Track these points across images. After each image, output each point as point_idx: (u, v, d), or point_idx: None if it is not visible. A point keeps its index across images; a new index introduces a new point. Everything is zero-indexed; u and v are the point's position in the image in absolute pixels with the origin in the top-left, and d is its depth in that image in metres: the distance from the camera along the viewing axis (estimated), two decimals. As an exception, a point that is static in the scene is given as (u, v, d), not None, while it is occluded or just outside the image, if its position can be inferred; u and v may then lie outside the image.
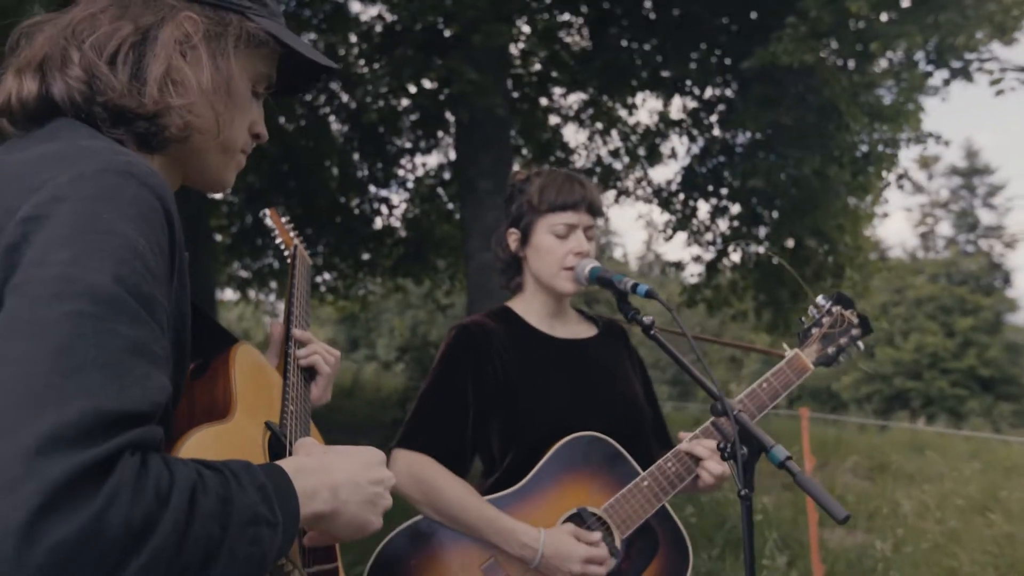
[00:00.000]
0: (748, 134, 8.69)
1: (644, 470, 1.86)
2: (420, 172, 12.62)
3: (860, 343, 2.08)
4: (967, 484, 5.71)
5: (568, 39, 9.54)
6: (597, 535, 1.79)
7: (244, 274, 13.86)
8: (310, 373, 1.43)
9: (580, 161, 11.85)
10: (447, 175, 12.24)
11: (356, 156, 11.97)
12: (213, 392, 1.04)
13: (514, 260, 2.07)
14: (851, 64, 7.75)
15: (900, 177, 8.97)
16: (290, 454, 1.10)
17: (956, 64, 7.23)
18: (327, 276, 13.72)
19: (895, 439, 10.15)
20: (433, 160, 12.51)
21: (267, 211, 1.86)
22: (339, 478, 0.94)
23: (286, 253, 1.79)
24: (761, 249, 9.87)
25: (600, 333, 2.10)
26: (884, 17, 6.31)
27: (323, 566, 1.17)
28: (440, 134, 11.21)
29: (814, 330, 2.07)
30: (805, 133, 7.82)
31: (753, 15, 8.02)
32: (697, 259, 10.95)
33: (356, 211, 12.53)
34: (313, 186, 11.27)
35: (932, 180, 34.79)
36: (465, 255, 8.56)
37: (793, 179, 7.87)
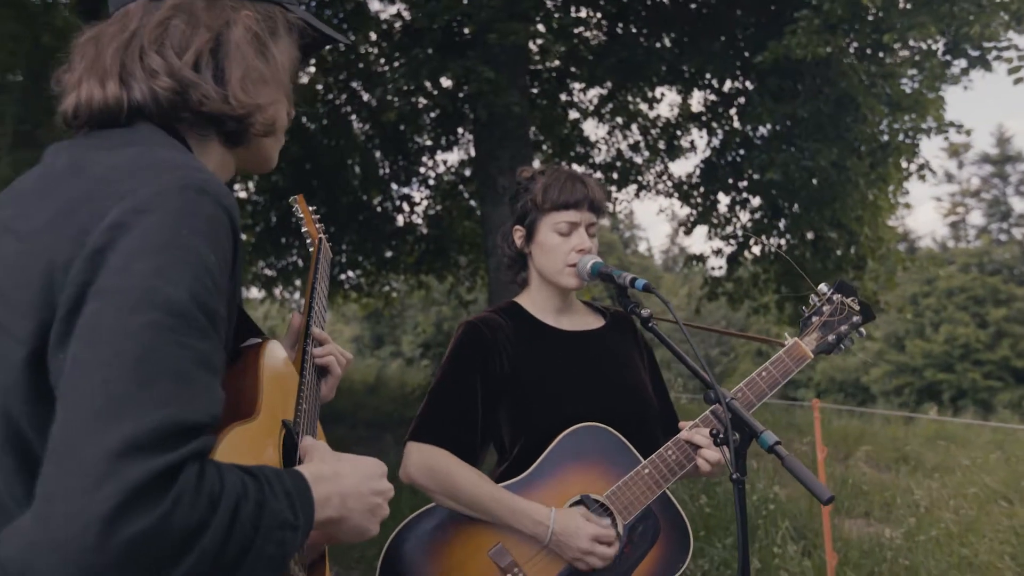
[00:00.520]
0: (767, 127, 8.66)
1: (649, 455, 1.93)
2: (441, 169, 12.72)
3: (861, 330, 2.11)
4: (988, 474, 5.68)
5: (586, 34, 9.56)
6: (606, 520, 1.86)
7: (269, 272, 14.05)
8: (322, 371, 1.49)
9: (600, 156, 11.87)
10: (468, 172, 12.32)
11: (378, 154, 12.09)
12: (242, 386, 1.10)
13: (520, 256, 2.14)
14: (868, 55, 7.69)
15: (921, 167, 8.88)
16: (299, 452, 1.17)
17: (973, 53, 7.15)
18: (351, 274, 13.87)
19: (921, 431, 10.07)
20: (454, 157, 12.60)
21: (296, 197, 1.86)
22: (348, 487, 1.02)
23: (309, 243, 1.80)
24: (782, 242, 9.83)
25: (607, 324, 2.16)
26: (899, 7, 6.26)
27: (312, 556, 1.25)
28: (460, 131, 11.28)
29: (814, 318, 2.09)
30: (822, 125, 7.78)
31: (773, 7, 7.99)
32: (718, 252, 10.92)
33: (378, 209, 12.66)
34: (336, 185, 11.41)
35: (963, 168, 34.21)
36: (486, 251, 8.64)
37: (810, 171, 7.84)
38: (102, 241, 0.81)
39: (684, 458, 1.92)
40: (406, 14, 8.96)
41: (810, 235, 9.34)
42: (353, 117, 11.33)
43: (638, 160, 11.72)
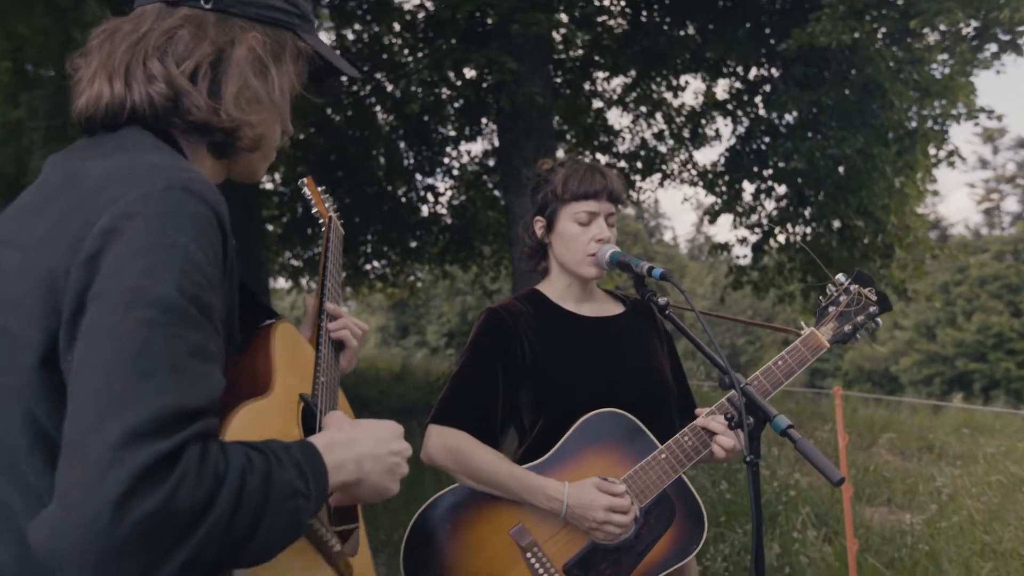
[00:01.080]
0: (792, 115, 8.57)
1: (666, 440, 1.97)
2: (465, 159, 12.76)
3: (878, 320, 2.14)
4: (1014, 462, 5.64)
5: (609, 22, 9.53)
6: (621, 487, 1.90)
7: (295, 263, 14.22)
8: (339, 345, 1.53)
9: (624, 145, 11.84)
10: (491, 162, 12.35)
11: (402, 145, 12.17)
12: (255, 367, 1.16)
13: (540, 246, 2.19)
14: (895, 40, 7.58)
15: (950, 154, 8.75)
16: (320, 424, 1.23)
17: (1004, 37, 7.03)
18: (376, 264, 13.99)
19: (949, 421, 9.98)
20: (478, 147, 12.64)
21: (305, 180, 1.90)
22: (363, 450, 1.07)
23: (320, 223, 1.83)
24: (807, 230, 9.74)
25: (627, 311, 2.21)
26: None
27: (348, 526, 1.31)
28: (484, 121, 11.31)
29: (831, 308, 2.12)
30: (847, 112, 7.70)
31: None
32: (743, 241, 10.86)
33: (403, 199, 12.74)
34: (360, 176, 11.51)
35: (998, 154, 33.54)
36: (510, 241, 8.69)
37: (836, 159, 7.77)
38: (95, 247, 0.86)
39: (700, 444, 1.97)
40: (429, 5, 9.00)
41: (836, 223, 9.25)
42: (377, 108, 11.40)
43: (662, 149, 11.67)
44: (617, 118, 16.21)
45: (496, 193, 12.42)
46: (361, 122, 11.10)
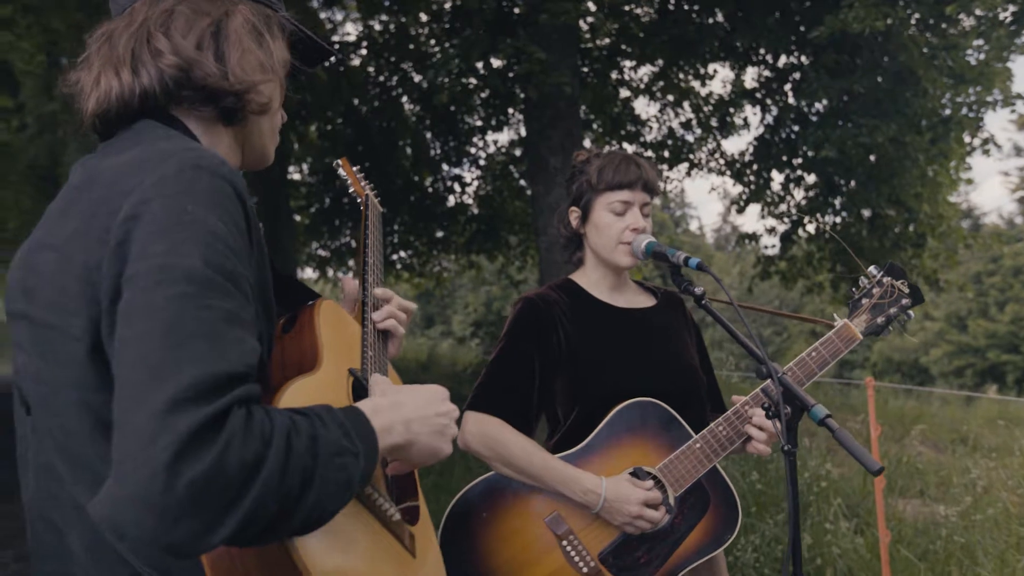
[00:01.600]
0: (822, 103, 8.46)
1: (698, 430, 1.98)
2: (492, 149, 12.76)
3: (910, 312, 2.14)
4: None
5: (636, 11, 9.46)
6: (649, 483, 1.92)
7: (323, 253, 14.33)
8: (385, 332, 1.51)
9: (651, 134, 11.77)
10: (518, 152, 12.34)
11: (428, 135, 12.19)
12: (302, 345, 1.18)
13: (575, 236, 2.20)
14: (929, 26, 7.44)
15: (985, 142, 8.57)
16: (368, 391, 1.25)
17: (1043, 21, 6.88)
18: (402, 254, 14.06)
19: (981, 413, 9.83)
20: (504, 137, 12.64)
21: (340, 160, 1.91)
22: (410, 413, 1.10)
23: (359, 201, 1.83)
24: (837, 220, 9.63)
25: (659, 303, 2.22)
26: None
27: (409, 502, 1.33)
28: (511, 111, 11.30)
29: (864, 300, 2.13)
30: (879, 100, 7.57)
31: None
32: (772, 231, 10.75)
33: (429, 189, 12.78)
34: (387, 166, 11.56)
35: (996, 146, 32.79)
36: (536, 231, 8.67)
37: (867, 148, 7.65)
38: (121, 235, 0.91)
39: (735, 434, 1.98)
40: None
41: (867, 213, 9.13)
42: (404, 99, 11.43)
43: (690, 138, 11.58)
44: (644, 107, 16.12)
45: (522, 183, 12.41)
46: (388, 112, 11.14)
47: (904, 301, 2.11)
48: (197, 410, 0.79)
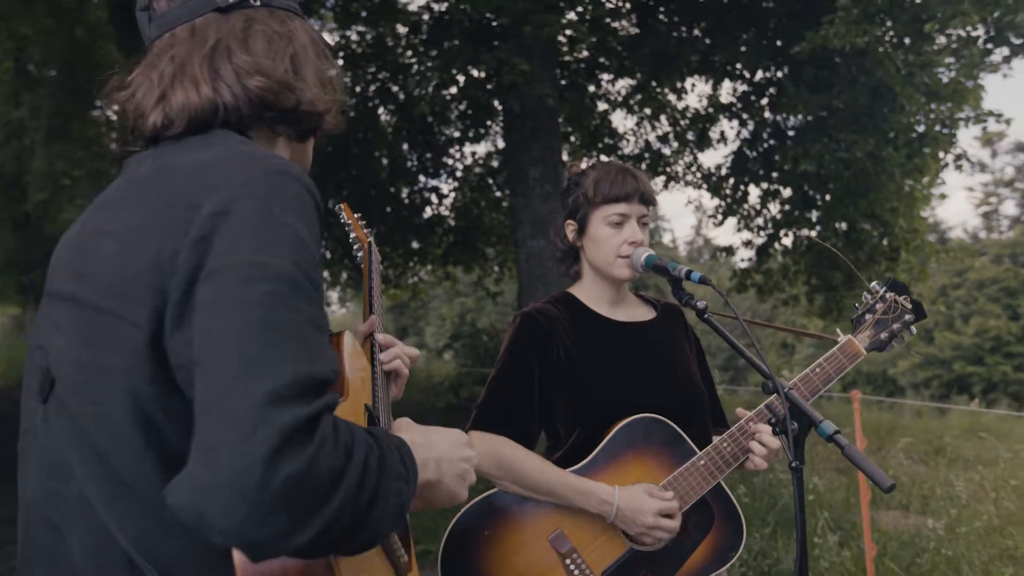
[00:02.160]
0: (800, 118, 8.57)
1: (701, 446, 1.96)
2: (469, 161, 12.75)
3: (913, 328, 2.14)
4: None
5: (615, 24, 9.53)
6: (670, 493, 1.90)
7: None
8: (389, 374, 1.54)
9: (628, 147, 11.84)
10: (495, 163, 12.34)
11: (406, 146, 12.15)
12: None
13: (572, 250, 2.18)
14: (906, 44, 7.58)
15: (958, 158, 8.76)
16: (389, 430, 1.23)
17: (1016, 41, 7.03)
18: (379, 265, 13.93)
19: (953, 424, 9.97)
20: (482, 149, 12.65)
21: (341, 205, 1.92)
22: (441, 453, 1.09)
23: (356, 247, 1.84)
24: (813, 233, 9.75)
25: (658, 315, 2.20)
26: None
27: (405, 544, 1.32)
28: (488, 123, 11.30)
29: (867, 316, 2.13)
30: (858, 115, 7.70)
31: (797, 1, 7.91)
32: (748, 244, 10.85)
33: (406, 200, 12.73)
34: (364, 176, 11.49)
35: (996, 158, 33.60)
36: (515, 243, 8.66)
37: (846, 162, 7.77)
38: (204, 229, 0.89)
39: (739, 450, 1.96)
40: (435, 6, 8.98)
41: (842, 226, 9.26)
42: (381, 109, 11.39)
43: (667, 151, 11.67)
44: (621, 120, 16.26)
45: (499, 195, 12.40)
46: (365, 123, 11.09)
47: (907, 317, 2.12)
48: (295, 408, 0.78)
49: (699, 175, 11.54)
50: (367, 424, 1.21)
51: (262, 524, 0.75)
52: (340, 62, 10.83)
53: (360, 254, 1.82)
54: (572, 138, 11.54)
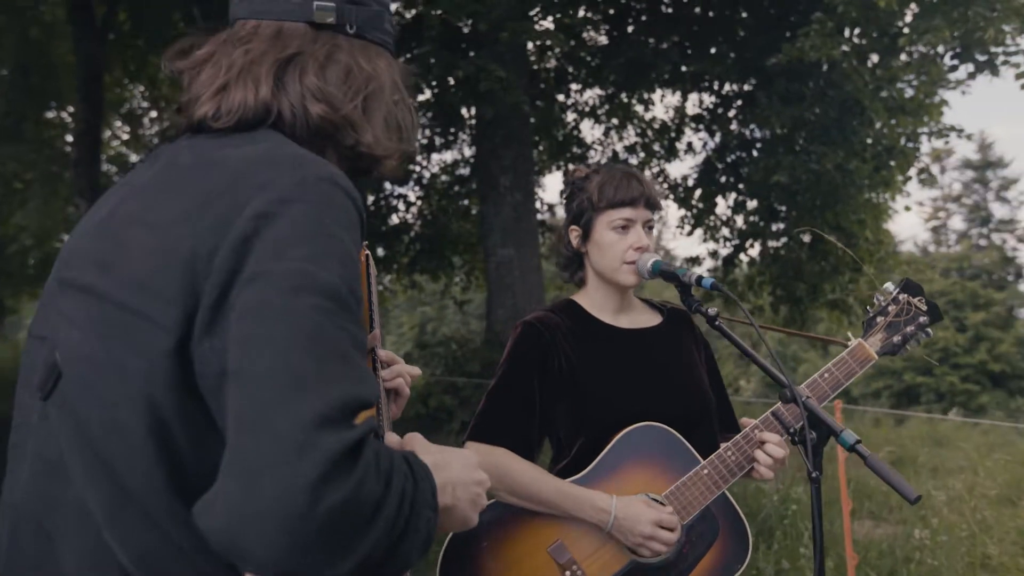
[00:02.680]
0: (769, 130, 8.70)
1: (709, 453, 1.92)
2: (436, 169, 12.69)
3: (929, 331, 2.03)
4: (993, 476, 5.74)
5: (585, 35, 9.58)
6: (669, 508, 1.85)
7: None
8: (390, 392, 1.49)
9: (596, 157, 11.89)
10: (463, 172, 12.29)
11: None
12: None
13: (576, 256, 2.13)
14: (874, 59, 7.76)
15: (921, 171, 8.97)
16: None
17: (981, 58, 7.23)
18: (343, 273, 13.75)
19: (912, 433, 10.16)
20: (449, 157, 12.58)
21: None
22: (455, 476, 1.02)
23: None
24: (778, 244, 9.88)
25: (665, 321, 2.15)
26: (911, 13, 6.32)
27: None
28: (453, 131, 11.26)
29: (879, 318, 2.04)
30: (828, 128, 7.84)
31: (773, 11, 8.04)
32: (714, 254, 10.96)
33: (372, 208, 12.60)
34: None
35: (944, 174, 34.61)
36: (485, 251, 8.62)
37: (816, 174, 7.90)
38: (248, 230, 0.82)
39: (744, 459, 1.92)
40: (406, 13, 8.92)
41: (807, 238, 9.40)
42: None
43: (634, 161, 11.75)
44: (588, 130, 16.35)
45: (465, 203, 12.35)
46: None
47: (922, 319, 2.01)
48: (342, 432, 0.74)
49: (666, 186, 11.64)
50: None
51: (302, 556, 0.70)
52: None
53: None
54: (540, 147, 11.55)
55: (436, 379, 9.39)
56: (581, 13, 9.07)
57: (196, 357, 0.82)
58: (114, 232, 0.94)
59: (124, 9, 14.27)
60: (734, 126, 9.94)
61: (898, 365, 30.56)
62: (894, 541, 4.27)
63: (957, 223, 36.22)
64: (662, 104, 11.01)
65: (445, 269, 13.35)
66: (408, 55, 7.77)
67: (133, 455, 0.85)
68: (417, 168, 12.49)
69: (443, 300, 14.79)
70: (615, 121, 11.52)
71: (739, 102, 9.76)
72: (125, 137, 18.26)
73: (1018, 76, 6.36)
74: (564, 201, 2.18)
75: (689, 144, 11.09)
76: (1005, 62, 7.07)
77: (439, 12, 6.52)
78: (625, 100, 10.98)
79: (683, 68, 9.14)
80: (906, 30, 6.51)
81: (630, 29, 9.62)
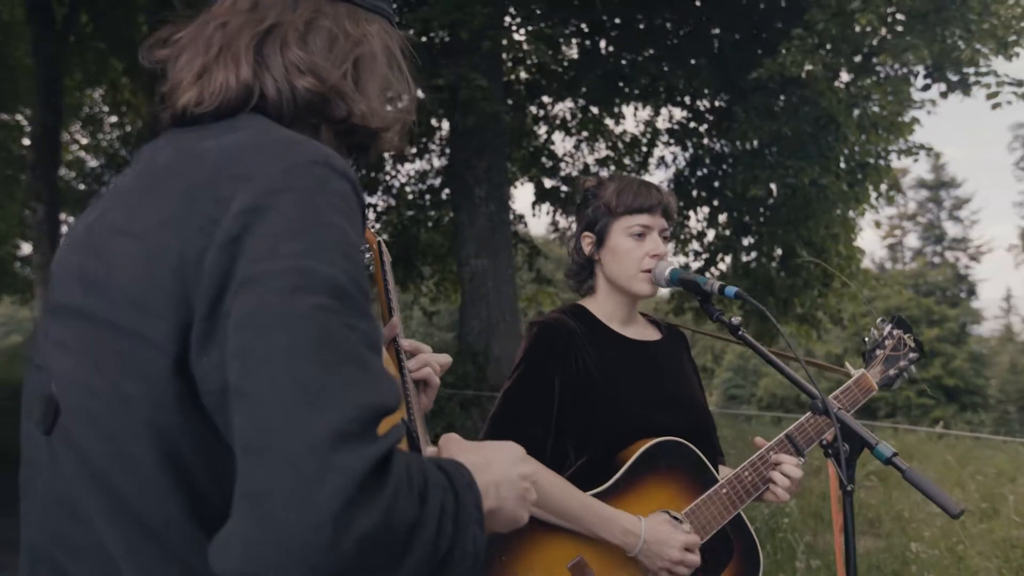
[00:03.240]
0: (739, 144, 8.80)
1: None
2: (405, 179, 12.61)
3: (914, 368, 2.15)
4: (963, 486, 5.82)
5: (556, 51, 9.62)
6: (687, 526, 1.81)
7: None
8: (418, 383, 1.39)
9: (566, 169, 11.93)
10: (434, 182, 12.24)
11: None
12: None
13: (588, 263, 2.08)
14: (848, 76, 7.90)
15: (890, 188, 9.16)
16: (422, 451, 1.09)
17: (953, 78, 7.41)
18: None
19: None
20: (419, 167, 12.52)
21: None
22: (499, 474, 0.94)
23: (365, 247, 1.75)
24: (749, 258, 9.98)
25: (665, 337, 2.12)
26: (889, 30, 6.44)
27: None
28: (424, 140, 11.20)
29: (878, 351, 2.13)
30: (804, 143, 7.95)
31: (751, 24, 8.15)
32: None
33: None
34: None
35: (900, 193, 35.65)
36: (459, 261, 8.54)
37: (792, 188, 8.00)
38: (236, 228, 0.74)
39: (760, 480, 1.90)
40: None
41: (778, 252, 9.52)
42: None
43: (604, 174, 11.78)
44: (560, 142, 16.41)
45: (432, 213, 12.29)
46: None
47: (912, 355, 2.13)
48: (364, 448, 0.64)
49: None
50: (408, 447, 1.06)
51: None
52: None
53: (370, 255, 1.69)
54: (510, 159, 11.55)
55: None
56: (553, 24, 9.11)
57: (197, 374, 0.74)
58: (97, 245, 0.85)
59: (86, 10, 13.96)
60: (706, 140, 10.04)
61: (854, 380, 31.06)
62: (881, 555, 4.29)
63: (912, 241, 37.23)
64: (634, 118, 11.07)
65: (414, 279, 13.24)
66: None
67: (145, 488, 0.76)
68: (386, 178, 12.39)
69: (409, 311, 14.65)
70: (585, 134, 11.57)
71: (711, 116, 9.86)
72: (84, 142, 17.84)
73: (989, 96, 6.53)
74: (576, 209, 2.14)
75: (661, 158, 11.18)
76: (976, 82, 7.27)
77: (415, 22, 6.47)
78: (596, 113, 11.03)
79: (657, 82, 9.21)
80: (880, 46, 6.63)
81: (602, 44, 9.68)
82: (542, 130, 11.42)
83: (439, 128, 10.52)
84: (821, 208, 8.29)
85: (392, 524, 0.64)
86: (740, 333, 1.81)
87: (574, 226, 2.14)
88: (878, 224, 11.95)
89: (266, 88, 0.92)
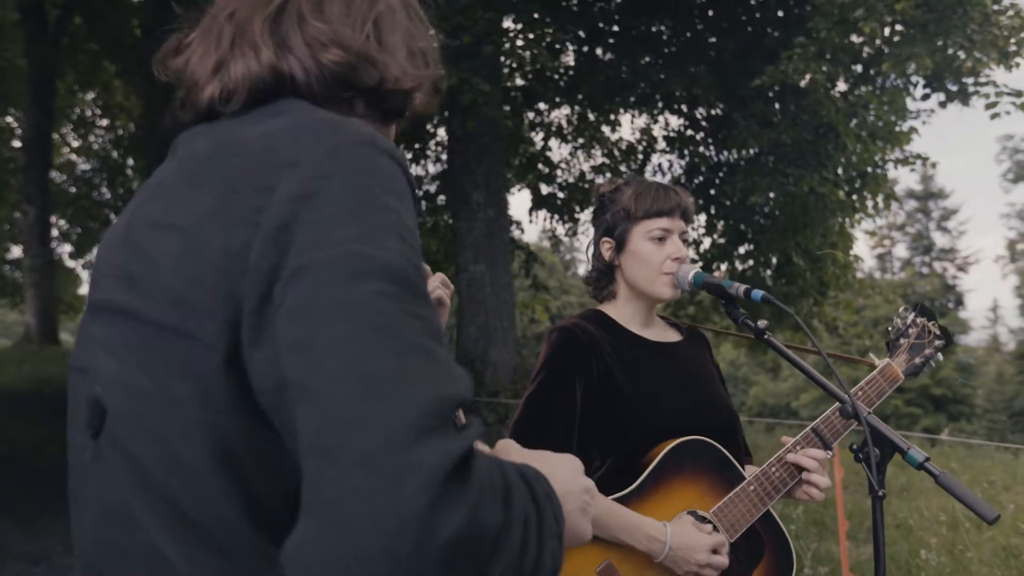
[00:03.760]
0: (736, 152, 8.83)
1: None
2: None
3: (940, 355, 2.11)
4: (946, 497, 5.82)
5: (554, 59, 9.64)
6: (708, 527, 1.80)
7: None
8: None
9: (563, 176, 11.94)
10: (428, 187, 12.21)
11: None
12: None
13: (608, 269, 2.07)
14: (845, 86, 7.94)
15: (887, 197, 9.21)
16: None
17: (952, 87, 7.46)
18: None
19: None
20: (416, 172, 12.49)
21: None
22: (562, 487, 0.86)
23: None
24: (745, 266, 10.00)
25: (685, 338, 2.12)
26: (888, 41, 6.49)
27: None
28: (418, 146, 11.18)
29: (902, 340, 2.09)
30: (803, 152, 7.98)
31: (751, 31, 8.18)
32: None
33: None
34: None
35: (897, 202, 36.02)
36: (457, 267, 8.52)
37: (792, 196, 8.02)
38: (283, 216, 0.70)
39: (788, 476, 1.88)
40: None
41: (774, 260, 9.55)
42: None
43: (601, 181, 11.81)
44: (556, 149, 16.42)
45: (428, 219, 12.26)
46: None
47: (937, 343, 2.09)
48: (444, 443, 0.59)
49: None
50: None
51: None
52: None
53: None
54: (507, 164, 11.55)
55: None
56: (553, 30, 9.13)
57: (250, 372, 0.70)
58: (138, 241, 0.81)
59: (79, 12, 13.88)
60: (703, 148, 10.08)
61: (844, 388, 31.14)
62: (888, 562, 4.28)
63: (901, 251, 37.48)
64: (631, 126, 11.06)
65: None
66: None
67: (199, 492, 0.73)
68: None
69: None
70: (580, 141, 11.59)
71: (707, 124, 9.90)
72: (76, 144, 17.72)
73: (988, 106, 6.58)
74: (593, 215, 2.14)
75: (658, 165, 11.22)
76: (975, 92, 7.32)
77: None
78: (593, 120, 11.05)
79: (655, 89, 9.23)
80: (880, 56, 6.68)
81: (599, 51, 9.71)
82: (538, 137, 11.42)
83: (435, 134, 10.51)
84: (819, 216, 8.33)
85: (480, 525, 0.58)
86: (766, 336, 1.80)
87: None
88: (872, 233, 12.01)
89: (293, 70, 0.87)
